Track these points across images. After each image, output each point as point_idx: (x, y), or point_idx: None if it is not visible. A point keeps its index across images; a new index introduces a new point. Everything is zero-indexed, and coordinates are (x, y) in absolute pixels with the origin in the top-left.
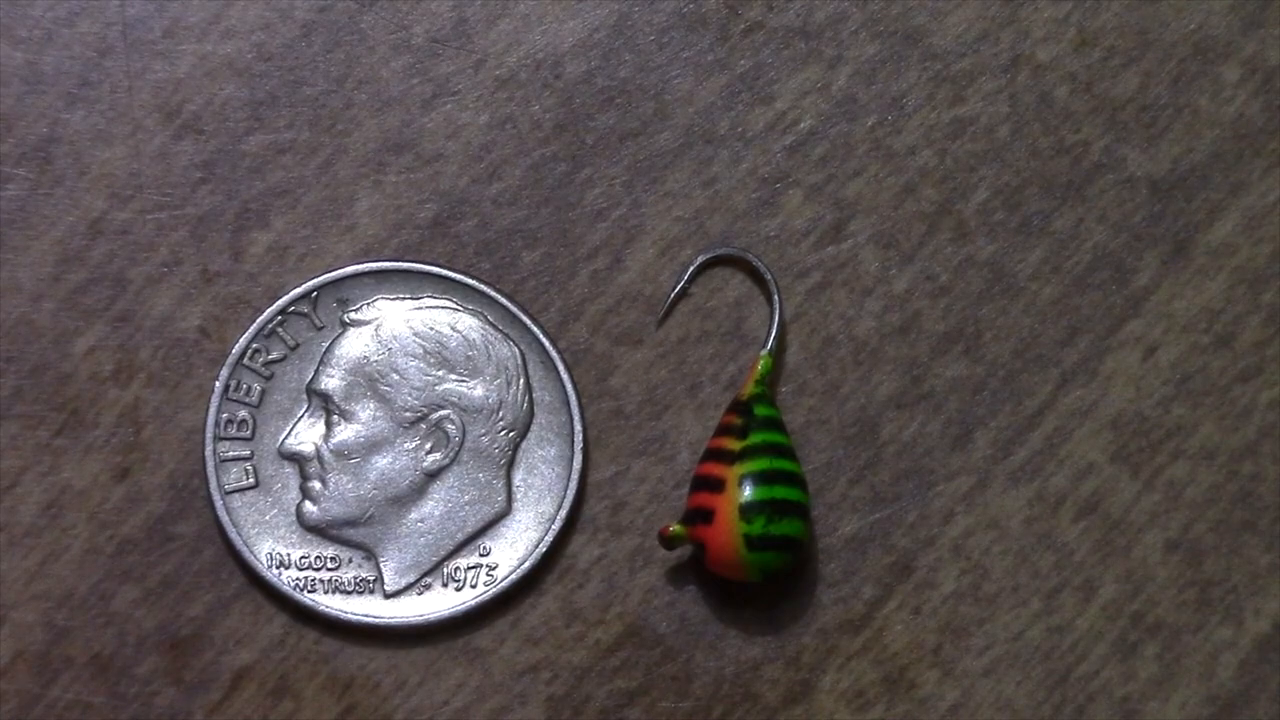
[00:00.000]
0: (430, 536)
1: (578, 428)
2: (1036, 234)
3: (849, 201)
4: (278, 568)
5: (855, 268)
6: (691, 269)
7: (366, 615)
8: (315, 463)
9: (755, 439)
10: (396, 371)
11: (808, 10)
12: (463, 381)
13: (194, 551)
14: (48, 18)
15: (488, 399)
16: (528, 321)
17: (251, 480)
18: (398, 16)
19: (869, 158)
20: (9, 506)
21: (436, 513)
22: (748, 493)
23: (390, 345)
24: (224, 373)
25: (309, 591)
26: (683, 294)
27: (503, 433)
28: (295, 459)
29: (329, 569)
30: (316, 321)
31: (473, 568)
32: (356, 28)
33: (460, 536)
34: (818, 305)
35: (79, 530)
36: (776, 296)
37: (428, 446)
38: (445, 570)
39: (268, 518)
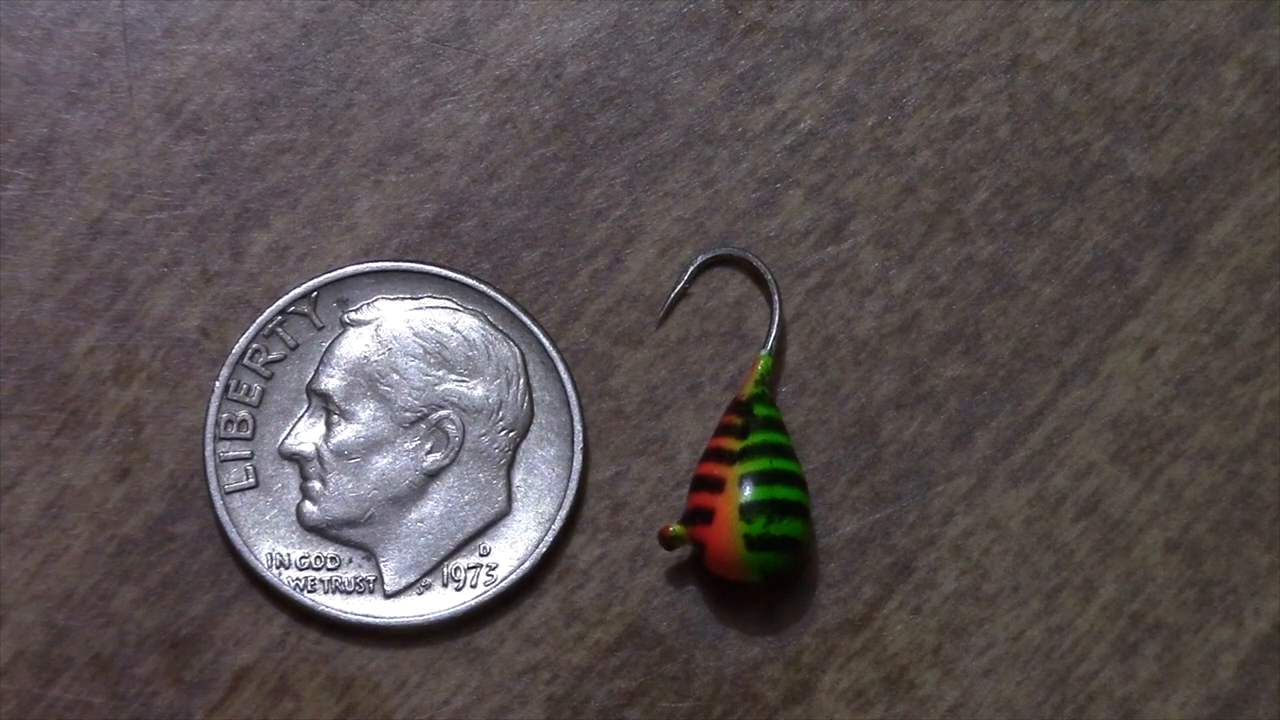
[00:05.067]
0: (430, 536)
1: (578, 428)
2: (1036, 234)
3: (849, 201)
4: (278, 568)
5: (855, 268)
6: (691, 269)
7: (366, 615)
8: (315, 463)
9: (755, 439)
10: (396, 371)
11: (808, 10)
12: (463, 381)
13: (194, 551)
14: (48, 18)
15: (488, 399)
16: (528, 321)
17: (251, 480)
18: (398, 16)
19: (869, 158)
20: (9, 506)
21: (436, 513)
22: (748, 493)
23: (390, 345)
24: (224, 373)
25: (309, 591)
26: (683, 294)
27: (503, 433)
28: (295, 459)
29: (329, 569)
30: (316, 321)
31: (473, 568)
32: (356, 28)
33: (460, 536)
34: (818, 305)
35: (79, 530)
36: (776, 296)
37: (428, 446)
38: (445, 570)
39: (268, 518)
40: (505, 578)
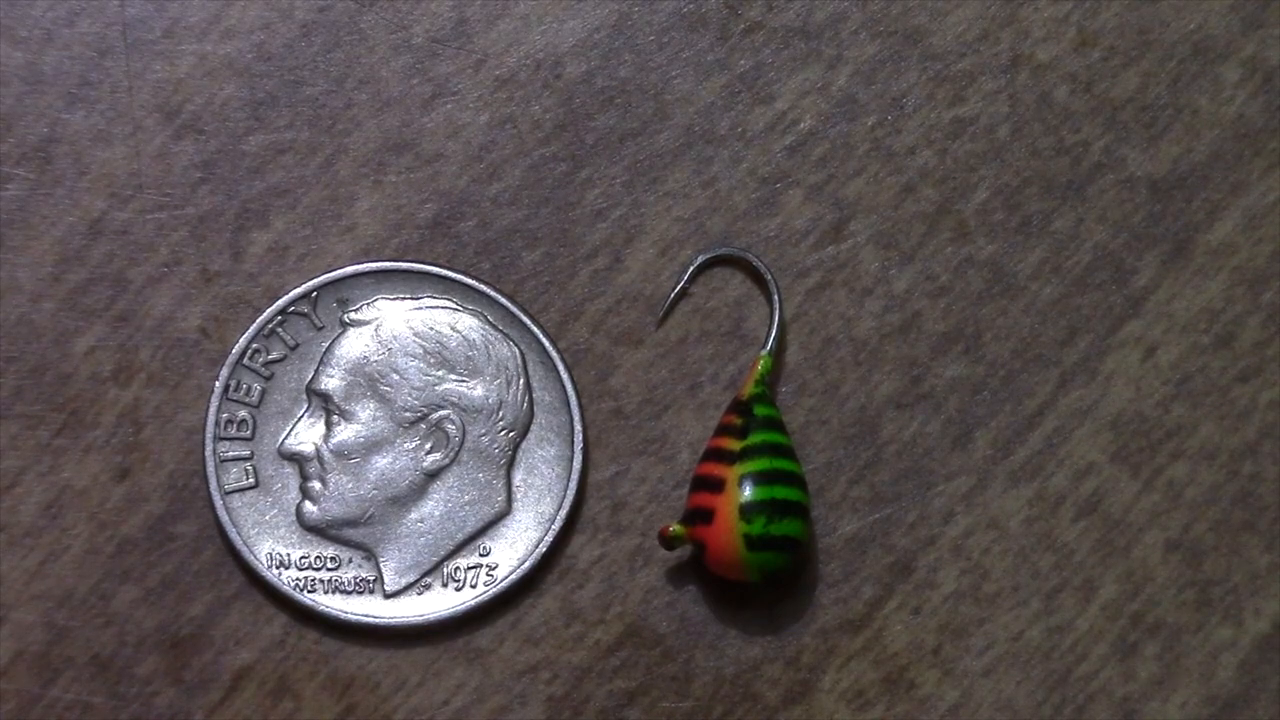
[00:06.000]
0: (430, 536)
1: (578, 428)
2: (1036, 234)
3: (849, 201)
4: (278, 568)
5: (855, 268)
6: (691, 269)
7: (366, 615)
8: (315, 463)
9: (755, 439)
10: (396, 371)
11: (808, 10)
12: (463, 381)
13: (194, 551)
14: (48, 18)
15: (488, 399)
16: (528, 321)
17: (251, 480)
18: (398, 16)
19: (869, 158)
20: (9, 506)
21: (436, 513)
22: (748, 493)
23: (390, 345)
24: (224, 373)
25: (309, 591)
26: (683, 294)
27: (503, 433)
28: (295, 459)
29: (329, 569)
30: (316, 321)
31: (473, 568)
32: (356, 28)
33: (460, 536)
34: (818, 305)
35: (79, 530)
36: (776, 296)
37: (428, 446)
38: (445, 570)
39: (268, 518)
40: (505, 578)
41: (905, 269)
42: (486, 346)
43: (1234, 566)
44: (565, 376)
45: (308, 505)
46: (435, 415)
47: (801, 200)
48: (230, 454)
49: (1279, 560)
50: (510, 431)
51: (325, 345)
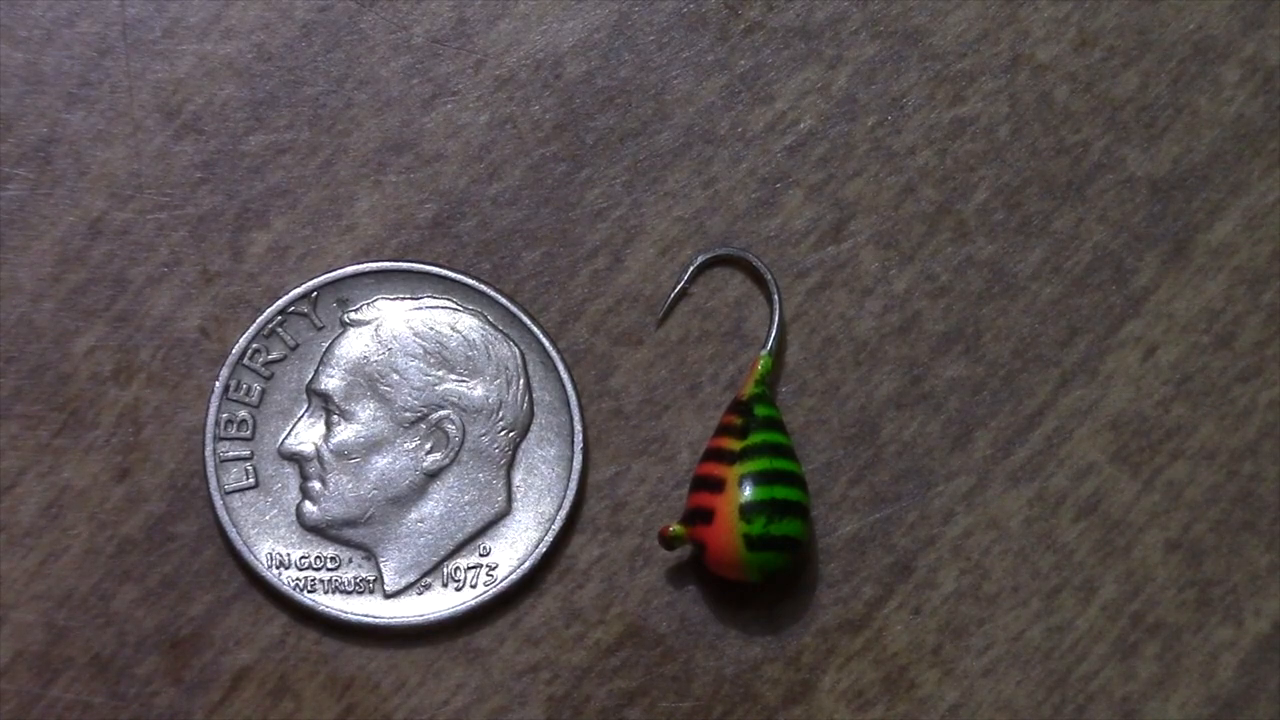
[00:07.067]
0: (430, 536)
1: (578, 428)
2: (1036, 234)
3: (849, 201)
4: (278, 568)
5: (855, 268)
6: (691, 269)
7: (366, 615)
8: (315, 463)
9: (755, 439)
10: (396, 371)
11: (808, 10)
12: (463, 381)
13: (194, 551)
14: (48, 18)
15: (488, 399)
16: (528, 321)
17: (251, 480)
18: (398, 16)
19: (869, 158)
20: (9, 506)
21: (436, 513)
22: (748, 493)
23: (390, 345)
24: (224, 373)
25: (309, 591)
26: (683, 294)
27: (503, 433)
28: (295, 459)
29: (329, 569)
30: (316, 321)
31: (473, 568)
32: (356, 28)
33: (460, 536)
34: (818, 305)
35: (79, 530)
36: (776, 296)
37: (428, 446)
38: (445, 570)
39: (268, 518)
40: (505, 578)
41: (905, 269)
42: (486, 346)
43: (1234, 566)
44: (565, 376)
45: (308, 505)
46: (435, 415)
47: (801, 200)
48: (230, 454)
49: (1279, 560)
50: (510, 431)
51: (325, 345)
